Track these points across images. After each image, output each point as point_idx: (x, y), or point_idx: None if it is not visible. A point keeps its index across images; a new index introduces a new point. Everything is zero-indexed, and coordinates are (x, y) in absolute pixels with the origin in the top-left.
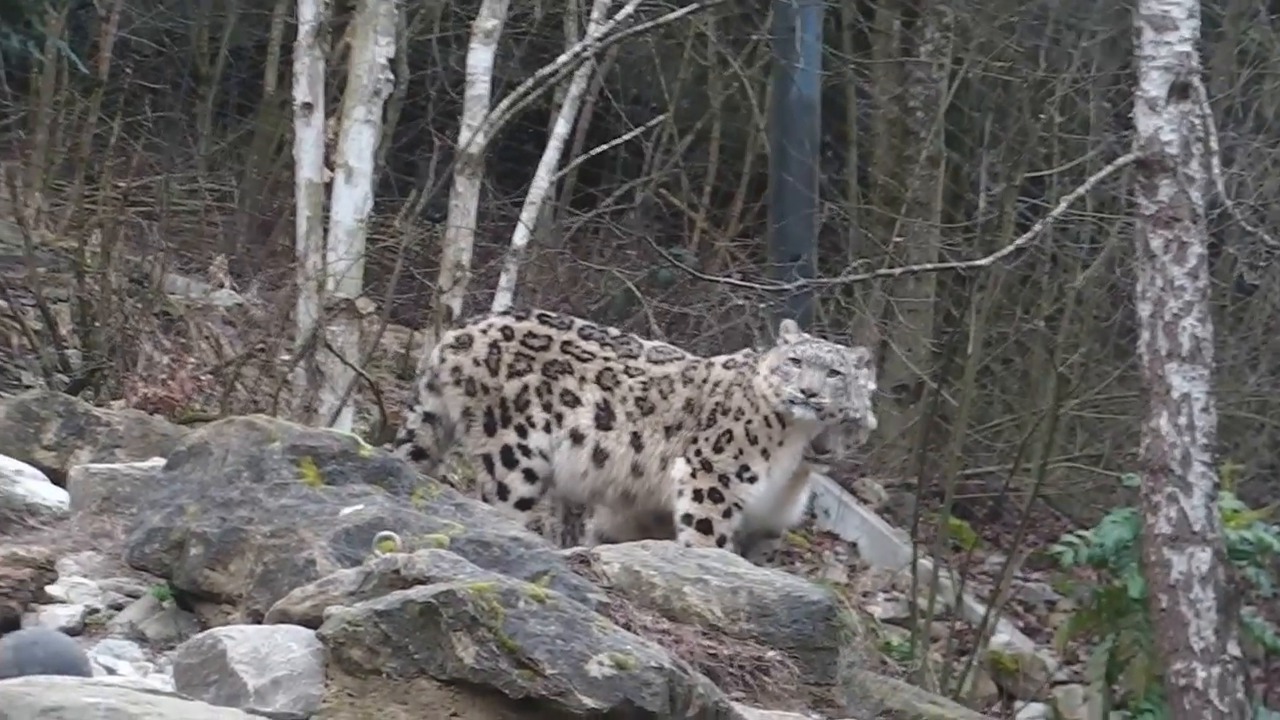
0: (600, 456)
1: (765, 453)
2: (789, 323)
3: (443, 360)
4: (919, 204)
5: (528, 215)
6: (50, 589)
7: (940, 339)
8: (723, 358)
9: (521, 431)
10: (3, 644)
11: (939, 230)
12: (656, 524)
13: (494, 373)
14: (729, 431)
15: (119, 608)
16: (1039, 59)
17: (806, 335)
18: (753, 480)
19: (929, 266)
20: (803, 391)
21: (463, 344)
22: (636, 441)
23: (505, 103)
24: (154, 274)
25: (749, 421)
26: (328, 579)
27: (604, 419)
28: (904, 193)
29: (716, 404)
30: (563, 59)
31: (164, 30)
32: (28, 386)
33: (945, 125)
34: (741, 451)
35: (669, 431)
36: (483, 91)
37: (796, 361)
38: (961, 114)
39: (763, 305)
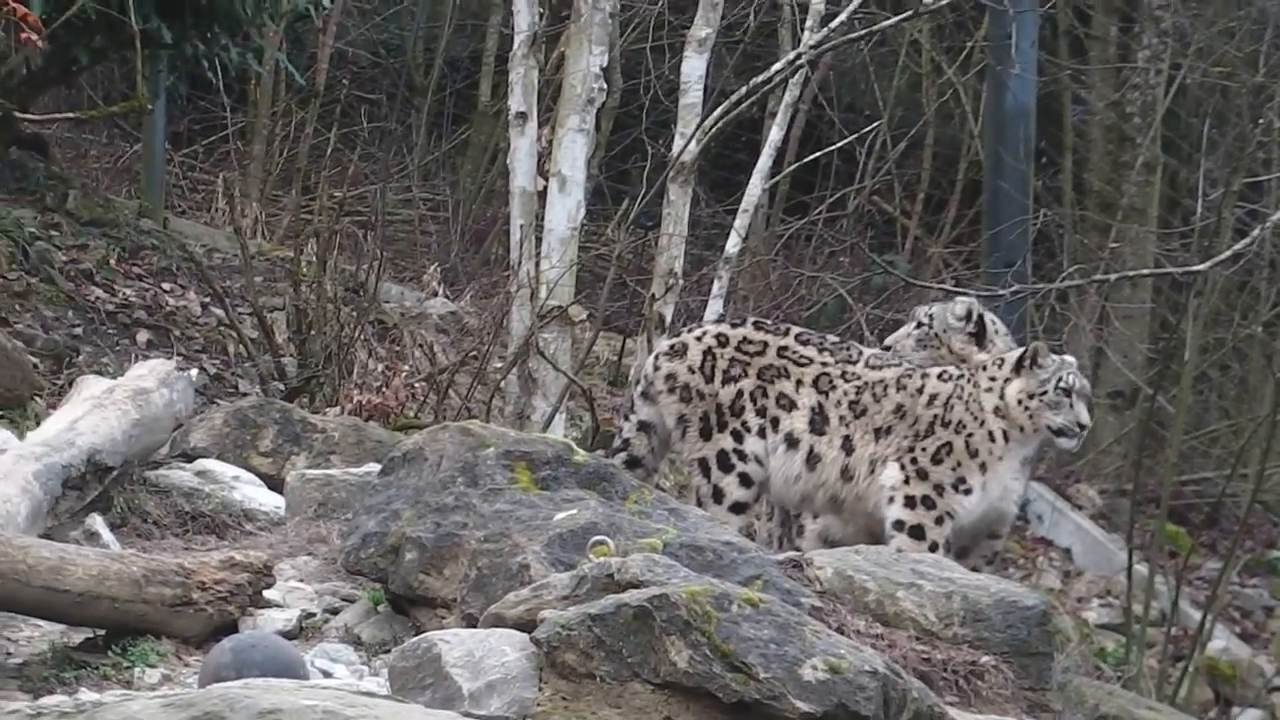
0: (813, 460)
1: (984, 466)
2: (1040, 345)
3: (657, 368)
4: (1135, 210)
5: (741, 222)
6: (267, 593)
7: (1156, 345)
8: (937, 368)
9: (737, 436)
10: (222, 647)
11: (1155, 236)
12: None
13: (709, 379)
14: (949, 444)
15: (335, 612)
16: (1258, 64)
17: (1056, 357)
18: (968, 492)
19: (1145, 272)
20: (1079, 425)
21: (677, 352)
22: (848, 445)
23: (718, 111)
24: (369, 282)
25: (970, 435)
26: (541, 583)
27: (818, 423)
28: (1120, 199)
29: (935, 416)
30: (777, 67)
31: (379, 42)
32: (245, 394)
33: (1162, 131)
34: (960, 464)
35: (878, 434)
36: (696, 99)
37: (1068, 393)
38: (1179, 119)
39: None
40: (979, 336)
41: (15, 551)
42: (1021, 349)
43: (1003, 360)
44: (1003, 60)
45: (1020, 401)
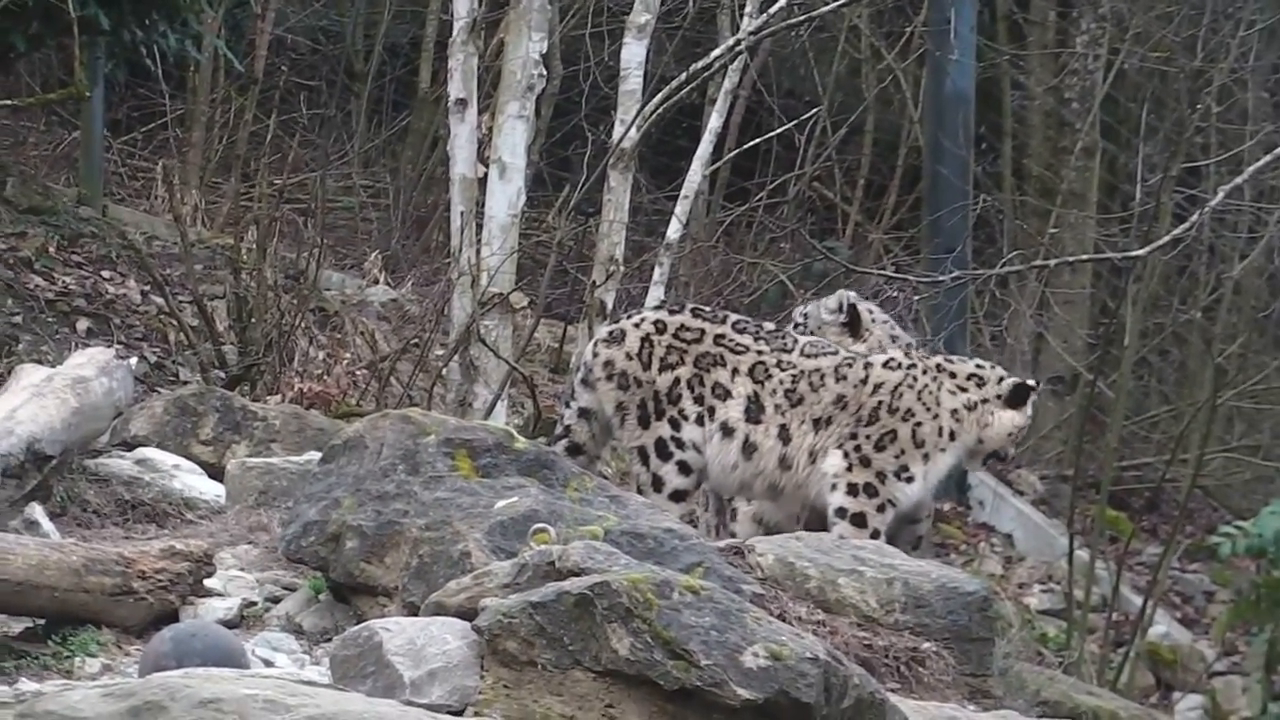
0: (749, 449)
1: (927, 457)
2: (1032, 384)
3: (595, 355)
4: (1074, 195)
5: (681, 209)
6: (208, 582)
7: (1096, 330)
8: (881, 356)
9: (674, 424)
10: (162, 636)
11: (1094, 221)
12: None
13: (646, 366)
14: (893, 431)
15: (276, 600)
16: (1196, 49)
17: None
18: (909, 480)
19: (1084, 258)
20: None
21: (615, 339)
22: (784, 434)
23: (658, 97)
24: (309, 270)
25: (919, 424)
26: (483, 571)
27: (753, 412)
28: (1059, 184)
29: (880, 403)
30: (716, 52)
31: (319, 28)
32: (185, 382)
33: (1101, 116)
34: (903, 452)
35: (817, 425)
36: (636, 86)
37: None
38: (1117, 105)
39: (917, 297)
40: (853, 326)
41: None
42: (1019, 381)
43: (981, 376)
44: (942, 45)
45: (1010, 434)
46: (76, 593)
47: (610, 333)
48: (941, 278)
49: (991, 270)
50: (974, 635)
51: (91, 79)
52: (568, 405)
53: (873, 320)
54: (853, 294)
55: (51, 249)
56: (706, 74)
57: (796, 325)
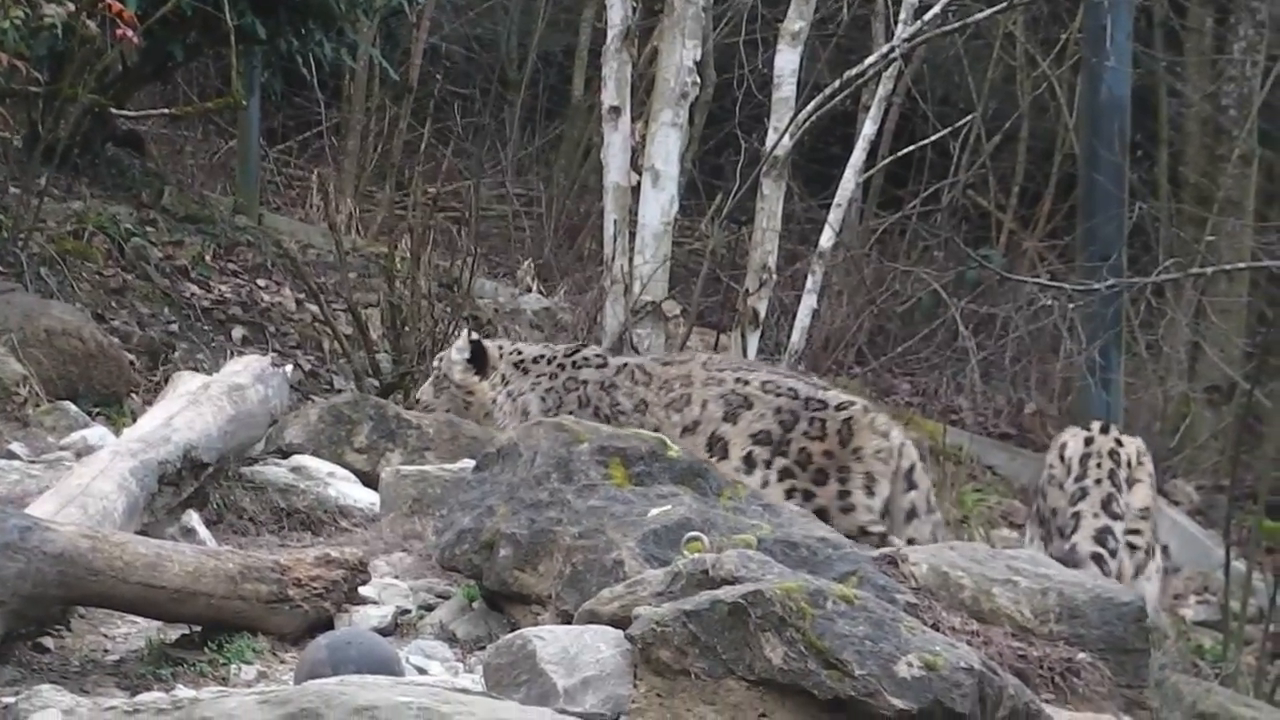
0: None
1: None
2: None
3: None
4: (1231, 203)
5: (834, 217)
6: (363, 590)
7: (1253, 339)
8: None
9: None
10: (318, 644)
11: (1252, 229)
12: None
13: None
14: None
15: (429, 608)
16: None
17: None
18: None
19: (1242, 265)
20: None
21: None
22: None
23: (812, 105)
24: (463, 278)
25: None
26: (636, 579)
27: None
28: (1216, 191)
29: None
30: (870, 60)
31: (473, 37)
32: (339, 390)
33: (1259, 123)
34: None
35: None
36: (789, 94)
37: None
38: (1275, 111)
39: (1072, 306)
40: (479, 363)
41: (112, 548)
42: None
43: None
44: (1097, 52)
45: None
46: (232, 600)
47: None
48: (1096, 286)
49: (1147, 278)
50: (1130, 646)
51: (248, 88)
52: None
53: (500, 357)
54: (472, 332)
55: (208, 257)
56: (860, 81)
57: (434, 370)
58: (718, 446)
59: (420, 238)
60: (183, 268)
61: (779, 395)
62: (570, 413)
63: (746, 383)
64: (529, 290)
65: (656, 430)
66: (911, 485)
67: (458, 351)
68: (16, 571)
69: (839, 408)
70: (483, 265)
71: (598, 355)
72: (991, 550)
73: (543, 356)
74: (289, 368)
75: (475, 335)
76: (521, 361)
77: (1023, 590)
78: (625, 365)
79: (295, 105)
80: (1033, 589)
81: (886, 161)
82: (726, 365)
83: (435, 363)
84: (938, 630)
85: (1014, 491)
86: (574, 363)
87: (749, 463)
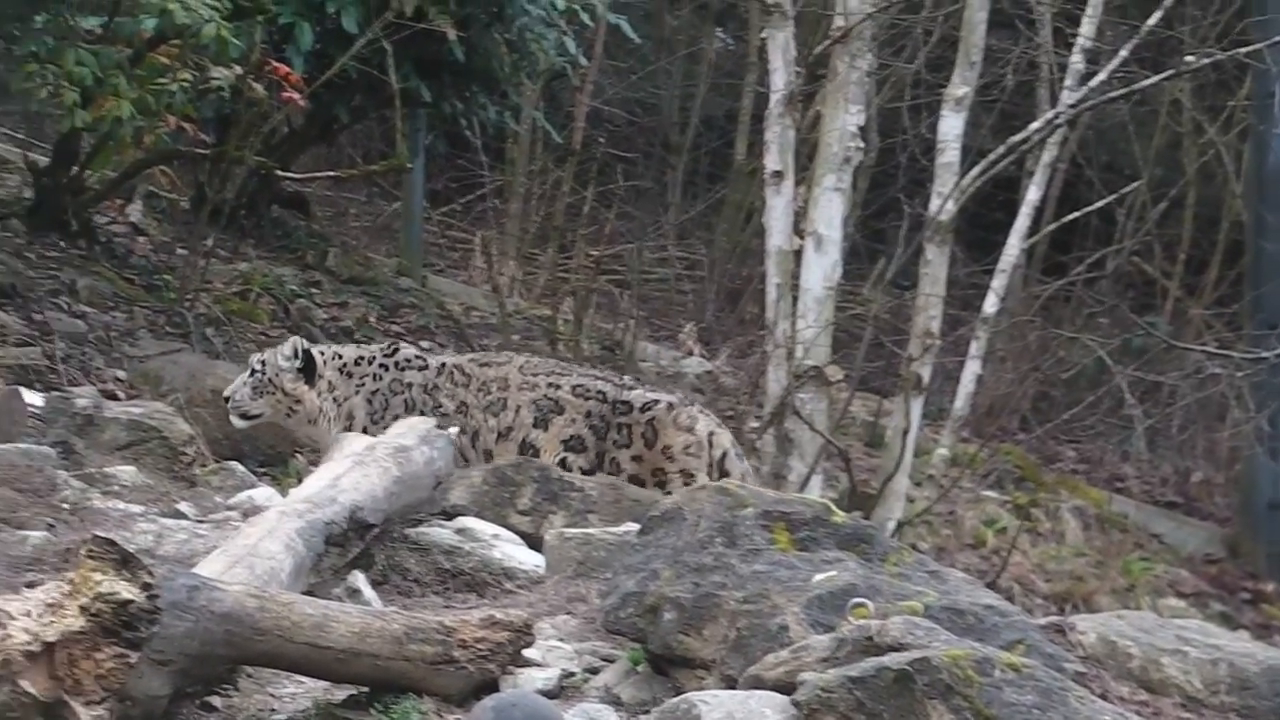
0: None
1: None
2: None
3: None
4: None
5: (998, 283)
6: (527, 652)
7: None
8: None
9: None
10: (484, 705)
11: None
12: None
13: None
14: None
15: (594, 671)
16: None
17: None
18: None
19: None
20: None
21: None
22: None
23: (976, 169)
24: (625, 341)
25: None
26: (801, 645)
27: None
28: None
29: None
30: (1035, 125)
31: (635, 100)
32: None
33: None
34: None
35: None
36: (953, 158)
37: None
38: None
39: (1240, 374)
40: (308, 372)
41: (280, 608)
42: None
43: None
44: (1265, 119)
45: None
46: (398, 661)
47: None
48: (1265, 354)
49: None
50: None
51: (412, 151)
52: None
53: (325, 365)
54: (303, 340)
55: (372, 319)
56: (1024, 147)
57: (254, 373)
58: (530, 453)
59: (583, 300)
60: (347, 329)
61: (588, 399)
62: (396, 416)
63: (558, 387)
64: (691, 354)
65: (475, 434)
66: (724, 474)
67: (286, 360)
68: (184, 630)
69: (644, 408)
70: (645, 328)
71: (418, 356)
72: (1160, 619)
73: (364, 358)
74: (454, 430)
75: (305, 343)
76: (344, 365)
77: (1192, 660)
78: (445, 366)
79: (459, 168)
80: (1203, 659)
81: (1051, 228)
82: (541, 369)
83: (256, 366)
84: (1106, 700)
85: (1180, 560)
86: (397, 364)
87: (564, 469)
